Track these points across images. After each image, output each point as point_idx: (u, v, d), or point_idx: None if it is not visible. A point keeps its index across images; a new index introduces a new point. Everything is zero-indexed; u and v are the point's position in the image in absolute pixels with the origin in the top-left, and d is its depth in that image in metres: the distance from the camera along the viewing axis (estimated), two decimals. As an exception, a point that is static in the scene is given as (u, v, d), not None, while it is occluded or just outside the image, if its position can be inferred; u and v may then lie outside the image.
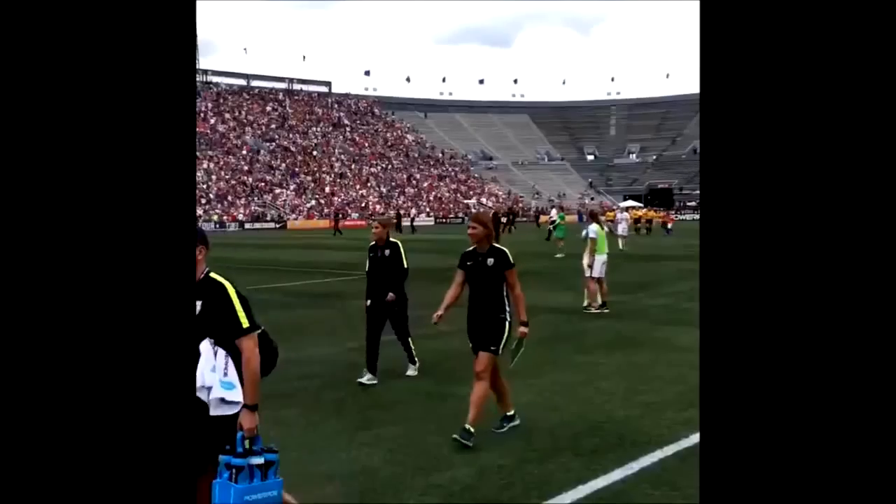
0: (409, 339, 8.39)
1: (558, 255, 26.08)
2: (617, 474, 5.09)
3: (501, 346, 5.87)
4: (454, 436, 5.65)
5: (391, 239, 8.18)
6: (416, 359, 8.37)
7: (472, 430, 5.66)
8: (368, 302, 8.19)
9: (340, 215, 54.23)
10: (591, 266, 12.62)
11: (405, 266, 8.18)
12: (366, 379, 7.82)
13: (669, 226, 48.88)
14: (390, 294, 8.03)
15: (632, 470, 5.17)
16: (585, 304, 12.84)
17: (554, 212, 42.79)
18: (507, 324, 5.87)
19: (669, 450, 5.57)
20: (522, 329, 5.89)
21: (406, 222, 56.83)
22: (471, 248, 5.95)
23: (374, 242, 8.25)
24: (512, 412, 6.19)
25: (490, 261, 5.85)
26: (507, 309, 5.90)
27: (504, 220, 32.21)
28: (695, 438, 5.80)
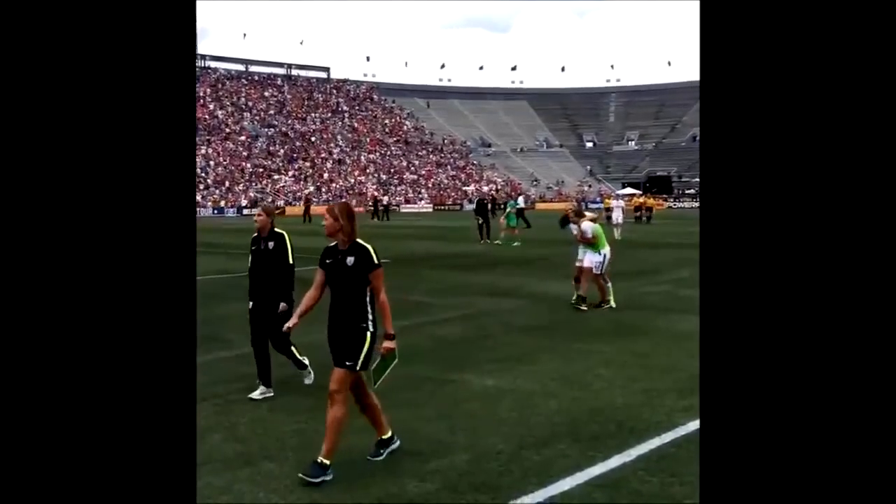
0: (293, 348, 7.14)
1: (496, 242, 25.62)
2: (615, 461, 5.10)
3: (361, 361, 4.97)
4: (300, 474, 4.82)
5: (276, 230, 7.02)
6: (305, 363, 7.22)
7: (325, 462, 4.84)
8: (251, 304, 7.03)
9: (310, 203, 53.87)
10: (598, 263, 11.86)
11: (290, 262, 6.99)
12: (258, 393, 6.82)
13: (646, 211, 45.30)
14: (282, 304, 6.86)
15: (630, 457, 5.18)
16: (599, 301, 11.92)
17: (521, 199, 42.64)
18: (367, 334, 4.99)
19: (668, 437, 5.58)
20: (387, 344, 5.04)
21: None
22: (332, 244, 5.16)
23: (256, 233, 7.10)
24: (389, 434, 5.28)
25: (350, 260, 5.01)
26: (371, 317, 5.05)
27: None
28: (693, 426, 5.80)
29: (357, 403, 5.19)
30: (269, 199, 68.69)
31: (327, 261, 5.13)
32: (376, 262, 5.04)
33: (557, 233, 26.75)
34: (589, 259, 11.93)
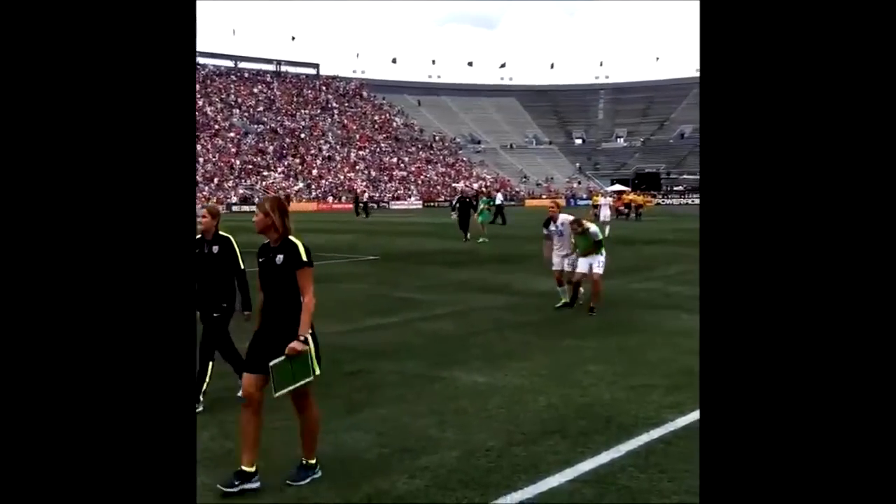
0: (210, 366, 6.63)
1: (481, 240, 25.50)
2: (604, 457, 5.12)
3: (314, 366, 4.72)
4: (287, 481, 4.74)
5: (221, 233, 6.67)
6: (203, 395, 6.55)
7: (311, 462, 4.85)
8: (198, 313, 6.55)
9: (289, 200, 54.05)
10: (597, 264, 11.31)
11: (241, 267, 6.60)
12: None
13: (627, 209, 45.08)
14: (246, 313, 6.53)
15: (619, 452, 5.20)
16: (592, 304, 11.31)
17: (499, 196, 42.72)
18: (307, 337, 4.67)
19: (656, 433, 5.60)
20: (294, 344, 4.56)
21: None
22: (267, 241, 4.84)
23: (199, 235, 6.65)
24: (252, 469, 4.69)
25: (279, 258, 4.70)
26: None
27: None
28: (681, 421, 5.84)
29: (251, 408, 4.73)
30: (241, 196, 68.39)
31: (260, 259, 4.85)
32: (304, 259, 4.72)
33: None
34: (584, 264, 11.34)
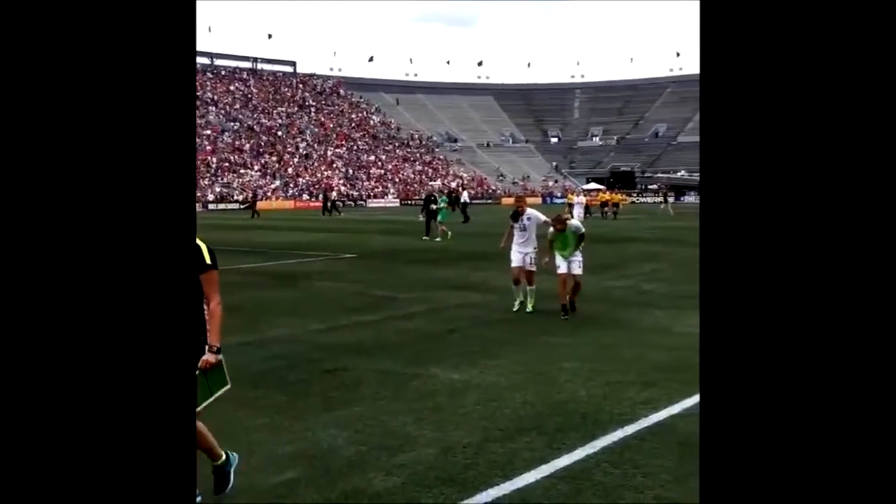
0: None
1: (437, 239, 25.39)
2: (579, 453, 5.17)
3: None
4: (218, 493, 4.55)
5: None
6: None
7: (221, 460, 4.55)
8: None
9: (258, 198, 53.42)
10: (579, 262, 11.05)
11: None
12: None
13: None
14: None
15: (594, 449, 5.25)
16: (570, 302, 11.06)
17: (465, 194, 42.75)
18: (206, 348, 4.29)
19: (630, 429, 5.66)
20: (208, 356, 4.23)
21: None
22: None
23: None
24: (223, 457, 4.57)
25: None
26: (209, 328, 4.35)
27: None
28: (654, 417, 5.91)
29: None
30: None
31: None
32: (207, 262, 4.26)
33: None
34: (564, 265, 11.00)
